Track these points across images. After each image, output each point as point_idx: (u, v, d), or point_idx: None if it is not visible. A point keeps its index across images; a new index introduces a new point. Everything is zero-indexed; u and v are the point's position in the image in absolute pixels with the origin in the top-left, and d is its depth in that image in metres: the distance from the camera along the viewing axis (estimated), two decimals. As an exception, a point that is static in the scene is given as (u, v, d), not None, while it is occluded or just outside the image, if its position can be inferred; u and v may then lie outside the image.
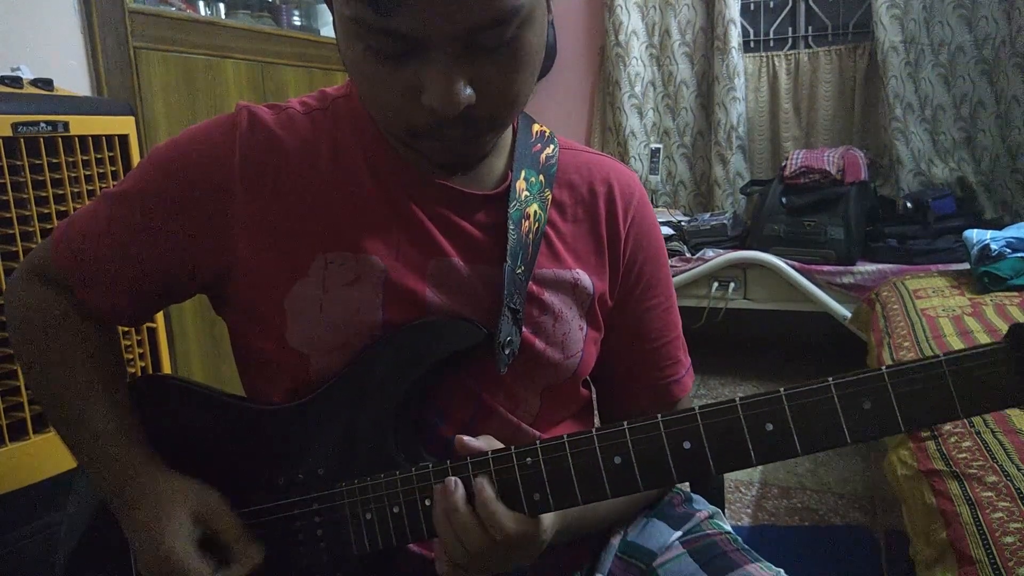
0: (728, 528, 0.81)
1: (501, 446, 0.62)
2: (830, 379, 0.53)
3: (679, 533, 0.78)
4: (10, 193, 1.31)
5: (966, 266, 2.08)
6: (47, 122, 1.36)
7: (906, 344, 1.60)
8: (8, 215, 1.31)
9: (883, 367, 0.52)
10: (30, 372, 0.74)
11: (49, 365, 0.72)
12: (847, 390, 0.52)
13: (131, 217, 0.69)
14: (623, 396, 0.80)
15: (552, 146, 0.75)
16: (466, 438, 0.62)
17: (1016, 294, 1.82)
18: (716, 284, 2.62)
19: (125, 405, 0.72)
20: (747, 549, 0.76)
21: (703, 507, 0.83)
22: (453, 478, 0.60)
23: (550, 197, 0.72)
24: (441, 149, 0.62)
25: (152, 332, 1.59)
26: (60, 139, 1.39)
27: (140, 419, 0.72)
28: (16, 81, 1.41)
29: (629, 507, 0.78)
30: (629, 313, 0.77)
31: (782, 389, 0.54)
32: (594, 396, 0.84)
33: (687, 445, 0.56)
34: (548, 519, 0.61)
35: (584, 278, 0.73)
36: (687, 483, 0.95)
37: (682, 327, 0.83)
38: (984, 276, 1.90)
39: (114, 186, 0.72)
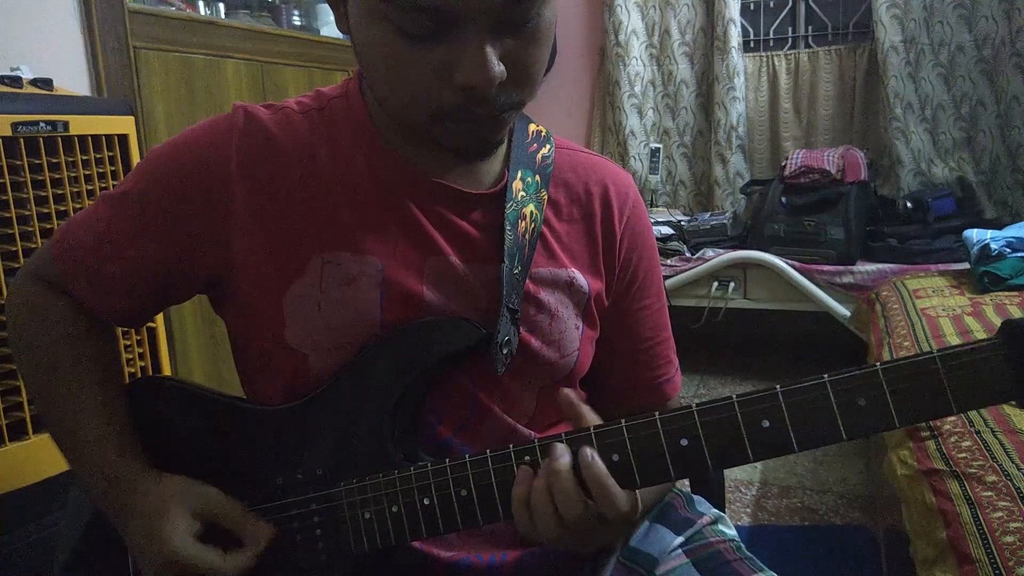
0: (732, 534, 0.80)
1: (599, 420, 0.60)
2: (825, 376, 0.53)
3: (681, 539, 0.78)
4: (10, 193, 1.31)
5: (966, 266, 2.08)
6: (47, 122, 1.36)
7: (906, 344, 1.60)
8: (8, 215, 1.31)
9: (878, 364, 0.52)
10: (27, 375, 0.74)
11: (45, 368, 0.72)
12: (842, 387, 0.53)
13: (130, 218, 0.69)
14: (615, 395, 0.80)
15: (548, 146, 0.75)
16: (572, 396, 0.61)
17: (1016, 294, 1.82)
18: (716, 284, 2.62)
19: (120, 412, 0.71)
20: (750, 558, 0.76)
21: (706, 510, 0.83)
22: (562, 444, 0.58)
23: (546, 197, 0.72)
24: (464, 133, 0.62)
25: (152, 332, 1.59)
26: (60, 139, 1.39)
27: (136, 425, 0.72)
28: (16, 81, 1.41)
29: (658, 497, 0.78)
30: (625, 313, 0.78)
31: (778, 386, 0.54)
32: None
33: (684, 442, 0.56)
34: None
35: (579, 277, 0.73)
36: (687, 483, 0.95)
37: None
38: (984, 276, 1.90)
39: (113, 188, 0.72)
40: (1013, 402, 0.49)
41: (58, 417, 0.71)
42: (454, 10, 0.54)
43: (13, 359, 0.76)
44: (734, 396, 0.55)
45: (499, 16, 0.55)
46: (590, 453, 0.57)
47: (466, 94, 0.57)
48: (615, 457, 0.57)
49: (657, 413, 0.57)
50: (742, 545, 0.78)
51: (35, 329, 0.73)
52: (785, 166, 2.65)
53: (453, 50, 0.56)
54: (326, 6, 2.80)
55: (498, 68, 0.56)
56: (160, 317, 1.60)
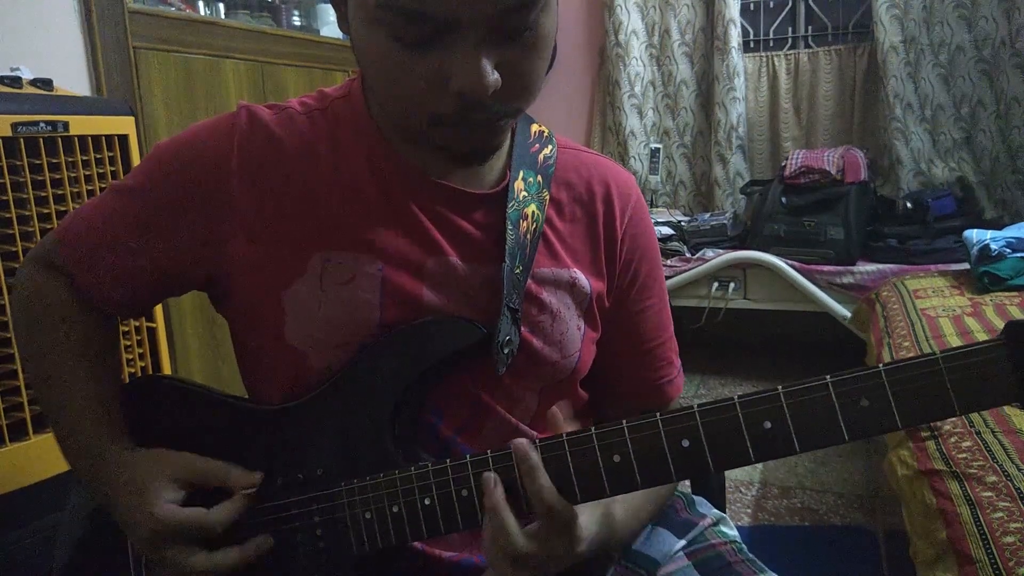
0: (733, 535, 0.81)
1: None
2: (828, 377, 0.53)
3: (683, 542, 0.78)
4: (10, 193, 1.31)
5: (966, 266, 2.08)
6: (47, 122, 1.36)
7: (906, 344, 1.60)
8: (8, 215, 1.31)
9: (880, 365, 0.52)
10: (25, 356, 0.75)
11: (43, 350, 0.73)
12: (845, 388, 0.53)
13: (133, 211, 0.70)
14: (617, 396, 0.80)
15: (550, 146, 0.75)
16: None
17: (1016, 294, 1.82)
18: (716, 284, 2.62)
19: (108, 392, 0.72)
20: (752, 559, 0.76)
21: (707, 512, 0.83)
22: (492, 474, 0.60)
23: (548, 197, 0.72)
24: (461, 138, 0.63)
25: (152, 332, 1.59)
26: (60, 139, 1.39)
27: (135, 424, 0.73)
28: (16, 81, 1.41)
29: (648, 518, 0.77)
30: (625, 314, 0.78)
31: (780, 387, 0.54)
32: None
33: (685, 443, 0.56)
34: (586, 519, 0.61)
35: (581, 278, 0.73)
36: (688, 485, 0.95)
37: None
38: (984, 276, 1.90)
39: (122, 179, 0.73)
40: (1016, 404, 0.49)
41: (50, 395, 0.72)
42: (449, 18, 0.54)
43: (15, 342, 0.77)
44: (735, 397, 0.55)
45: (495, 25, 0.55)
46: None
47: (461, 101, 0.58)
48: (616, 458, 0.57)
49: (658, 414, 0.57)
50: (744, 546, 0.78)
51: (35, 311, 0.73)
52: (785, 166, 2.65)
53: (448, 57, 0.56)
54: (326, 6, 2.81)
55: (492, 76, 0.56)
56: (160, 317, 1.60)
